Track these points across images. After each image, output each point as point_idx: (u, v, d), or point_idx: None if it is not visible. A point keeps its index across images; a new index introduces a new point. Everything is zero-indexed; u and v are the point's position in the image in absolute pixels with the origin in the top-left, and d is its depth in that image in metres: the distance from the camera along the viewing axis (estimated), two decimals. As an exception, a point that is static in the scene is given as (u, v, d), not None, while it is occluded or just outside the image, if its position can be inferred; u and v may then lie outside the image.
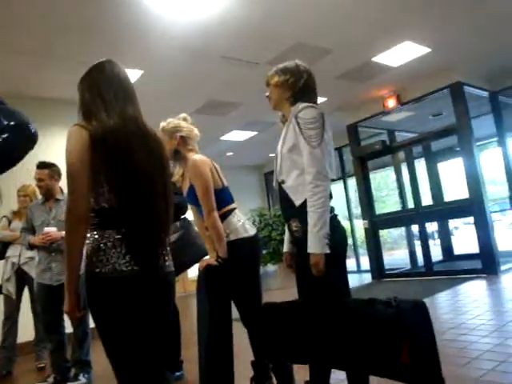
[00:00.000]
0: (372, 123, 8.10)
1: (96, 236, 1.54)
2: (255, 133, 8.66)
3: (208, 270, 2.52)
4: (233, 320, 2.56)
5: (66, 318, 3.75)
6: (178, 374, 3.37)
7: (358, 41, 5.34)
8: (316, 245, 1.90)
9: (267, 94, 2.24)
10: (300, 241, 2.03)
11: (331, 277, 1.96)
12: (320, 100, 2.29)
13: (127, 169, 1.55)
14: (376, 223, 7.96)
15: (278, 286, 7.96)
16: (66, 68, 4.96)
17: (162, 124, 2.66)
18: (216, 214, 2.46)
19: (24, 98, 4.98)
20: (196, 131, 2.70)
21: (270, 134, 8.39)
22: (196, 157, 2.55)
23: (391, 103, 7.47)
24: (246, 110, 7.16)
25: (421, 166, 9.17)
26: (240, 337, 2.64)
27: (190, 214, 3.03)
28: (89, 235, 1.54)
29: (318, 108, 2.05)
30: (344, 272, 2.12)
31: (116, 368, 1.54)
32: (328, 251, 1.91)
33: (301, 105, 2.06)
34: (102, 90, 1.64)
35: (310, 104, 2.06)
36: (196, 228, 3.03)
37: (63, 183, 3.67)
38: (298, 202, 2.03)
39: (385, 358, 1.65)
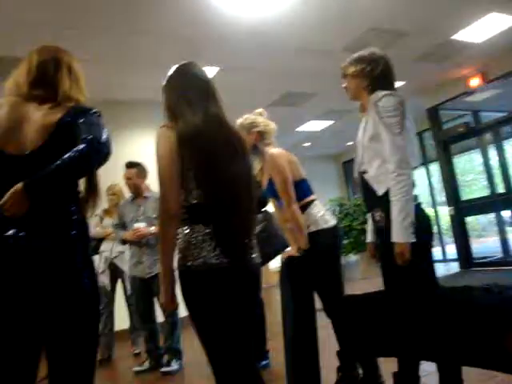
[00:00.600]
0: (454, 105, 7.67)
1: (187, 231, 1.62)
2: (332, 122, 8.56)
3: (290, 261, 2.56)
4: (316, 310, 2.59)
5: (157, 307, 4.00)
6: (264, 363, 3.46)
7: (435, 20, 5.09)
8: (401, 234, 1.88)
9: (344, 84, 2.23)
10: (383, 230, 2.01)
11: (417, 266, 1.92)
12: (398, 84, 2.25)
13: (213, 165, 1.61)
14: (462, 210, 7.57)
15: (361, 276, 7.85)
16: (146, 71, 5.23)
17: (239, 120, 2.73)
18: (296, 206, 2.49)
19: (109, 102, 5.28)
20: (273, 125, 2.74)
21: (347, 122, 8.24)
22: (273, 150, 2.60)
23: (475, 82, 7.03)
24: (322, 99, 7.09)
25: (511, 147, 8.56)
26: (325, 327, 2.66)
27: (270, 207, 3.09)
28: (180, 230, 1.63)
29: (398, 95, 2.02)
30: (430, 261, 2.07)
31: (209, 356, 1.62)
32: (413, 240, 1.88)
33: (380, 93, 2.03)
34: (185, 91, 1.71)
35: (389, 92, 2.03)
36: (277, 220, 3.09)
37: (150, 180, 3.94)
38: (380, 192, 2.01)
39: (485, 348, 1.59)
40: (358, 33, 5.06)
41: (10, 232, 1.44)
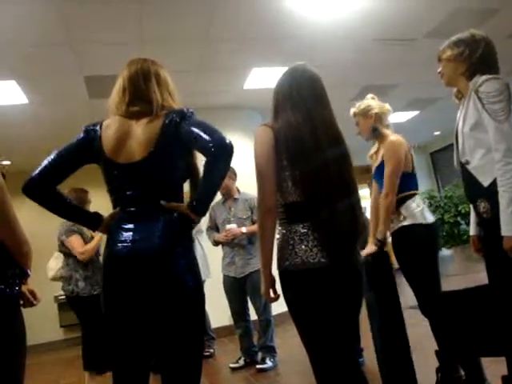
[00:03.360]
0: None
1: (284, 231, 1.66)
2: (417, 112, 8.21)
3: (369, 260, 2.52)
4: (410, 307, 2.52)
5: (250, 306, 4.11)
6: (359, 360, 3.42)
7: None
8: (511, 227, 1.76)
9: (439, 69, 2.13)
10: (489, 223, 1.90)
11: None
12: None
13: (311, 164, 1.62)
14: None
15: (455, 272, 7.45)
16: (225, 77, 5.39)
17: (353, 110, 2.76)
18: (393, 198, 2.48)
19: (195, 110, 5.52)
20: (387, 106, 2.75)
21: (433, 111, 7.86)
22: (394, 137, 2.60)
23: None
24: (405, 89, 6.83)
25: None
26: (418, 325, 2.58)
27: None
28: (278, 231, 1.68)
29: (501, 79, 1.88)
30: None
31: (310, 355, 1.65)
32: None
33: (481, 78, 1.90)
34: (290, 92, 1.74)
35: (492, 76, 1.89)
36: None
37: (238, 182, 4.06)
38: (486, 183, 1.90)
39: None
40: (442, 16, 4.81)
41: (119, 236, 1.57)
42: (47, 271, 3.90)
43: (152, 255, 1.53)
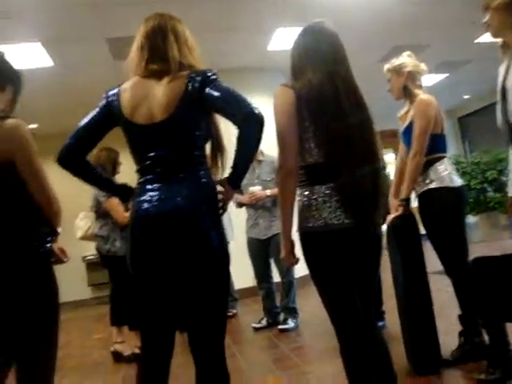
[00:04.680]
0: None
1: (306, 192, 1.65)
2: (446, 75, 7.95)
3: (396, 224, 2.50)
4: (436, 273, 2.51)
5: (273, 268, 4.17)
6: (380, 323, 3.46)
7: None
8: None
9: (485, 20, 2.01)
10: None
11: None
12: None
13: (332, 124, 1.60)
14: None
15: (480, 239, 7.37)
16: (250, 38, 5.30)
17: (386, 66, 2.69)
18: (420, 159, 2.43)
19: (219, 71, 5.44)
20: (423, 66, 2.67)
21: (463, 74, 7.60)
22: (423, 96, 2.53)
23: None
24: (434, 51, 6.58)
25: None
26: (443, 290, 2.58)
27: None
28: (299, 193, 1.67)
29: None
30: None
31: (331, 316, 1.67)
32: None
33: None
34: (308, 51, 1.70)
35: None
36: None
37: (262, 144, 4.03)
38: None
39: None
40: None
41: (145, 197, 1.58)
42: (76, 230, 3.97)
43: (177, 214, 1.54)
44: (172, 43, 1.64)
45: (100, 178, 1.77)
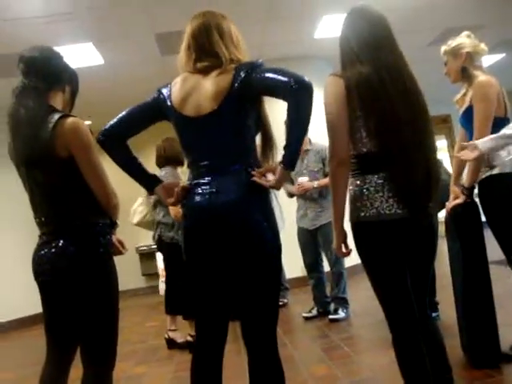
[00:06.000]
0: None
1: (358, 182, 1.63)
2: (503, 55, 7.57)
3: (456, 211, 2.42)
4: (495, 263, 2.41)
5: (324, 258, 4.15)
6: (434, 315, 3.37)
7: None
8: None
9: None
10: None
11: None
12: None
13: (383, 112, 1.57)
14: None
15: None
16: (294, 27, 5.25)
17: (444, 47, 2.59)
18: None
19: (265, 61, 5.42)
20: (482, 46, 2.54)
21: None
22: (483, 78, 2.39)
23: None
24: (490, 31, 6.23)
25: None
26: (502, 281, 2.48)
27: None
28: (351, 182, 1.65)
29: None
30: None
31: (383, 305, 1.66)
32: None
33: None
34: (353, 41, 1.68)
35: None
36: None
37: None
38: None
39: None
40: None
41: (197, 189, 1.61)
42: (133, 215, 3.97)
43: (230, 206, 1.56)
44: (218, 41, 1.66)
45: (133, 164, 1.75)
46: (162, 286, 4.98)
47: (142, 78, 5.64)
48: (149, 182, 1.78)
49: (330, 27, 5.20)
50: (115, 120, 1.70)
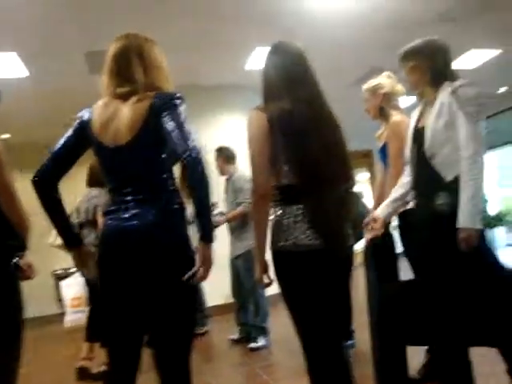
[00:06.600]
0: None
1: (279, 212, 1.67)
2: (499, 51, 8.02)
3: (374, 244, 2.52)
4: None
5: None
6: (350, 342, 3.47)
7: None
8: (470, 219, 1.85)
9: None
10: (445, 217, 1.94)
11: (487, 251, 1.96)
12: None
13: (302, 146, 1.62)
14: None
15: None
16: (229, 56, 5.32)
17: (365, 86, 2.75)
18: (398, 181, 2.45)
19: (194, 87, 5.40)
20: (399, 87, 2.72)
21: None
22: (397, 118, 2.58)
23: None
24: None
25: None
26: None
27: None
28: (273, 211, 1.69)
29: (476, 85, 1.96)
30: (487, 246, 2.04)
31: (299, 334, 1.68)
32: (481, 227, 1.86)
33: (457, 82, 1.99)
34: (274, 76, 1.74)
35: (468, 81, 1.98)
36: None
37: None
38: (448, 178, 1.96)
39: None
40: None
41: (112, 215, 1.61)
42: (54, 236, 3.66)
43: (141, 232, 1.55)
44: (136, 66, 1.64)
45: (61, 214, 1.70)
46: (72, 317, 4.78)
47: (68, 94, 5.44)
48: (69, 239, 1.73)
49: (261, 59, 5.30)
50: (48, 160, 1.65)
